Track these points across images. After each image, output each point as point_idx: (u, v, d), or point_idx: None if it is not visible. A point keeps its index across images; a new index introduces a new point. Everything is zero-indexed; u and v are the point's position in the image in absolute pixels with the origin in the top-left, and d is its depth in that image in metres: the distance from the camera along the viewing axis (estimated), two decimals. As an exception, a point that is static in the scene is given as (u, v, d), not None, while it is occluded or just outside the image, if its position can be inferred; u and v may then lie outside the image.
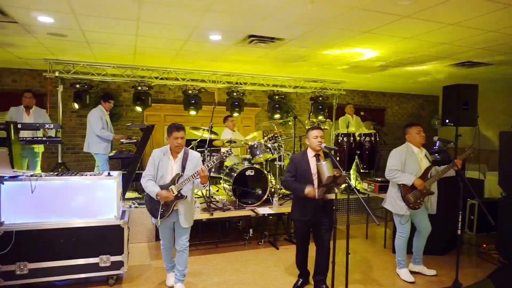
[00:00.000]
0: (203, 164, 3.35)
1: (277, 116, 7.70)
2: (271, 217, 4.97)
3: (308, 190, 3.20)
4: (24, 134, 5.05)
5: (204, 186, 3.34)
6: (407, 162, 3.78)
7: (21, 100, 5.44)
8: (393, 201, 3.88)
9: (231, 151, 3.46)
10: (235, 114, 7.12)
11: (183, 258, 3.47)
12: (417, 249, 4.05)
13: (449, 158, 3.81)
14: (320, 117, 7.68)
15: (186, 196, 3.30)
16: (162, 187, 3.25)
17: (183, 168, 3.32)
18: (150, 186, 3.24)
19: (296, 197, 3.53)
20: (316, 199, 3.26)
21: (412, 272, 3.95)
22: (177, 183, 3.25)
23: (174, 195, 3.23)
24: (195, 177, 3.21)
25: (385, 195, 4.14)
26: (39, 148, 5.65)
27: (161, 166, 3.31)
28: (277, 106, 7.65)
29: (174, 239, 3.49)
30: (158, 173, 3.31)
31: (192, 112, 6.88)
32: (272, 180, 5.54)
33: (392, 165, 3.78)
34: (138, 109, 6.51)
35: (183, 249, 3.44)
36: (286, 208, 5.01)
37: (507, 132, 4.46)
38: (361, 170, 6.94)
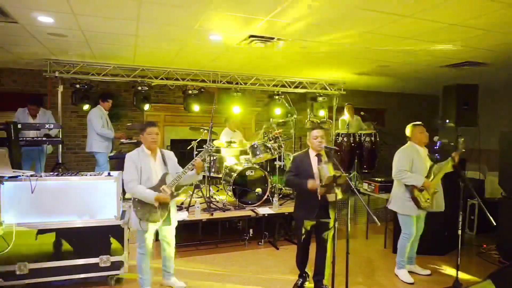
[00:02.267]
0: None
1: (277, 116, 7.69)
2: (271, 217, 4.96)
3: (311, 183, 3.22)
4: (30, 134, 5.08)
5: (199, 175, 3.39)
6: (415, 163, 3.77)
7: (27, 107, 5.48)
8: (400, 202, 3.86)
9: (212, 146, 3.59)
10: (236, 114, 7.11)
11: (172, 254, 3.54)
12: (411, 249, 4.05)
13: (456, 145, 3.83)
14: (320, 117, 7.67)
15: (178, 194, 3.30)
16: (151, 190, 3.17)
17: (166, 167, 3.32)
18: (141, 191, 3.12)
19: (300, 197, 3.54)
20: (319, 199, 3.27)
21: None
22: (167, 182, 3.21)
23: (170, 194, 3.19)
24: (190, 169, 3.23)
25: (385, 195, 4.14)
26: (46, 149, 5.68)
27: (145, 168, 3.20)
28: (277, 106, 7.64)
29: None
30: (142, 176, 3.18)
31: (193, 112, 6.86)
32: (272, 180, 5.54)
33: (401, 166, 3.76)
34: (145, 109, 6.51)
35: (173, 245, 3.51)
36: (286, 208, 5.01)
37: (507, 132, 4.46)
38: (361, 170, 6.94)
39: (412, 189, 3.73)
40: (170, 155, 3.44)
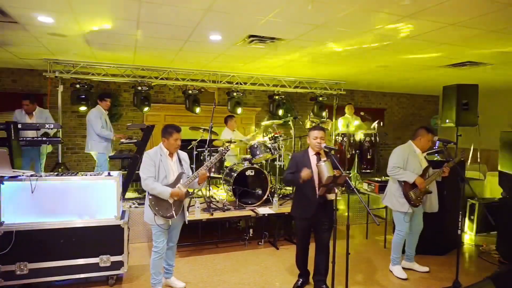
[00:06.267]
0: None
1: (277, 116, 7.70)
2: (271, 217, 4.96)
3: (303, 173, 3.23)
4: (29, 134, 5.07)
5: (200, 185, 3.50)
6: (409, 161, 3.84)
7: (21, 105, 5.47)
8: (393, 198, 3.92)
9: (228, 147, 3.66)
10: (236, 114, 7.12)
11: (174, 253, 3.61)
12: (409, 246, 4.12)
13: (450, 156, 3.86)
14: (321, 117, 7.67)
15: (193, 193, 3.34)
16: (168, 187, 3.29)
17: (181, 167, 3.43)
18: (159, 187, 3.21)
19: (298, 195, 3.55)
20: (316, 198, 3.28)
21: (404, 269, 4.02)
22: (182, 181, 3.31)
23: (185, 193, 3.32)
24: (196, 176, 3.32)
25: (384, 193, 4.17)
26: (45, 149, 5.66)
27: (163, 166, 3.30)
28: (277, 106, 7.65)
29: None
30: (160, 174, 3.27)
31: (193, 112, 6.87)
32: (272, 180, 5.54)
33: (395, 163, 3.84)
34: (145, 109, 6.51)
35: (175, 244, 3.58)
36: (286, 208, 5.01)
37: (507, 132, 4.46)
38: (361, 170, 6.94)
39: (405, 186, 3.79)
40: (185, 157, 3.52)
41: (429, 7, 3.20)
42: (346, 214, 3.24)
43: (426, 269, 4.09)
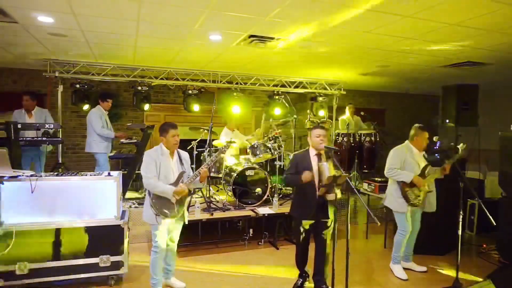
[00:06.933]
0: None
1: (277, 116, 7.69)
2: (271, 217, 4.96)
3: (304, 175, 3.22)
4: (29, 134, 5.06)
5: (202, 184, 3.49)
6: (407, 161, 3.84)
7: (22, 102, 5.46)
8: (392, 199, 3.94)
9: (227, 146, 3.67)
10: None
11: (174, 253, 3.58)
12: (407, 246, 4.12)
13: (451, 154, 3.86)
14: (321, 117, 7.66)
15: (194, 191, 3.32)
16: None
17: (182, 167, 3.42)
18: (161, 186, 3.20)
19: (297, 195, 3.55)
20: (316, 199, 3.28)
21: (403, 269, 4.02)
22: (183, 181, 3.30)
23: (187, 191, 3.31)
24: (197, 175, 3.30)
25: (385, 195, 4.17)
26: (46, 148, 5.66)
27: (163, 166, 3.28)
28: (277, 106, 7.64)
29: None
30: (160, 173, 3.26)
31: (190, 111, 6.86)
32: (272, 180, 5.54)
33: (392, 164, 3.85)
34: (145, 109, 6.49)
35: (176, 242, 3.54)
36: (286, 208, 5.01)
37: (507, 132, 4.46)
38: (362, 170, 6.94)
39: (403, 186, 3.80)
40: (186, 157, 3.51)
41: (430, 7, 3.21)
42: (346, 214, 3.24)
43: (424, 268, 4.10)
